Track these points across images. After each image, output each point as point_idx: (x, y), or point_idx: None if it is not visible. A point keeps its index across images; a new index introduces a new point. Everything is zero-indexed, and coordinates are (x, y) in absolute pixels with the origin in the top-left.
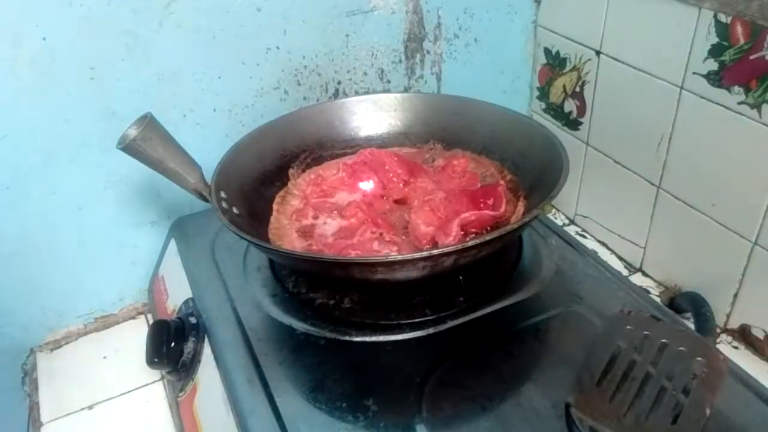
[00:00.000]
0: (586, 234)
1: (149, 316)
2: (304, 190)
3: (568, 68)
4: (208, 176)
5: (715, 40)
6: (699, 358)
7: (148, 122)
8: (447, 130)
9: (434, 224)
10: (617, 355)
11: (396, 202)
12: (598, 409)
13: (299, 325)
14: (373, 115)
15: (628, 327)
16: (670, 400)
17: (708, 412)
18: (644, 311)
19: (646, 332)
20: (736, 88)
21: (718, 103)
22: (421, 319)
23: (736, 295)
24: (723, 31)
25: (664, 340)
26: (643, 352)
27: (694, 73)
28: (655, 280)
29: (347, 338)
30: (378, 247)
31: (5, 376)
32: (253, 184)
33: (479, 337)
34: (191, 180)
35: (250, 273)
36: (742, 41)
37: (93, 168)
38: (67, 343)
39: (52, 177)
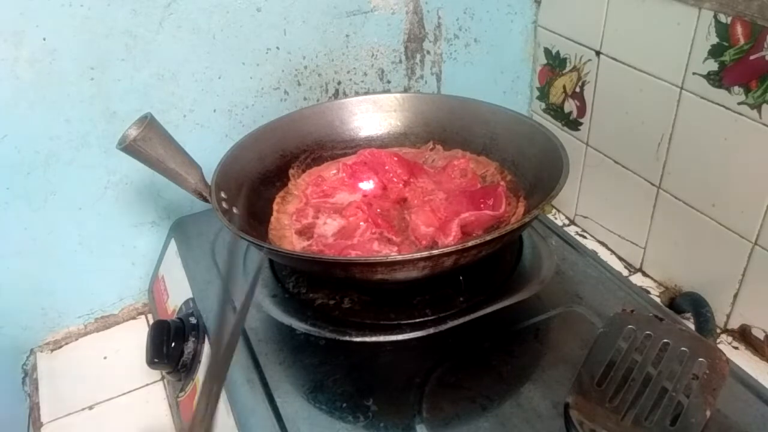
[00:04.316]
0: (586, 234)
1: (149, 316)
2: (304, 190)
3: (568, 68)
4: (208, 176)
5: (715, 40)
6: (701, 359)
7: (148, 122)
8: (447, 130)
9: (434, 224)
10: (618, 355)
11: (396, 202)
12: (597, 410)
13: (299, 326)
14: (373, 116)
15: (630, 326)
16: (670, 401)
17: (708, 414)
18: (645, 311)
19: (648, 332)
20: (736, 89)
21: (718, 104)
22: (421, 319)
23: (736, 295)
24: (723, 31)
25: (666, 340)
26: (645, 352)
27: (694, 73)
28: (655, 280)
29: (347, 338)
30: (378, 247)
31: (5, 376)
32: (253, 185)
33: (479, 337)
34: (191, 180)
35: (250, 273)
36: (742, 41)
37: (93, 168)
38: (67, 344)
39: (52, 177)
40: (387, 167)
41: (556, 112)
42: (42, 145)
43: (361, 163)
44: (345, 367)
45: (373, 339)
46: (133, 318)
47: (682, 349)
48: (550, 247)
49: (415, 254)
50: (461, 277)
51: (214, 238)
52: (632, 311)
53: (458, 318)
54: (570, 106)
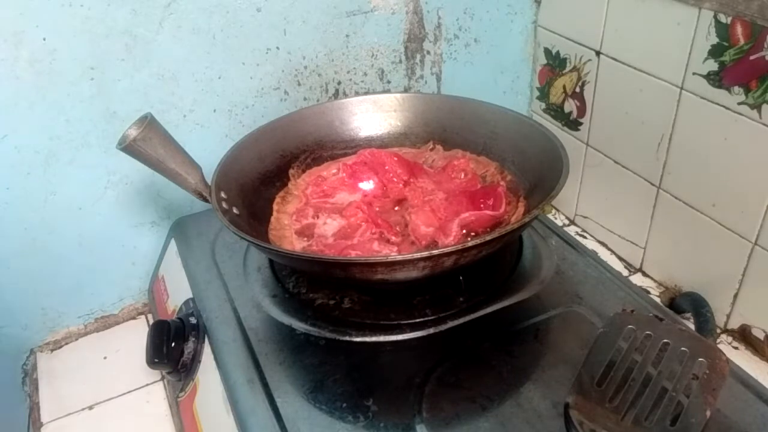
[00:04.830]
0: (586, 234)
1: (149, 316)
2: (304, 190)
3: (568, 68)
4: (208, 176)
5: (715, 40)
6: (701, 359)
7: (148, 122)
8: (447, 130)
9: (434, 225)
10: (618, 355)
11: (396, 202)
12: (597, 410)
13: (299, 326)
14: (373, 116)
15: (630, 326)
16: (670, 401)
17: (708, 414)
18: (645, 311)
19: (648, 332)
20: (736, 89)
21: (718, 104)
22: (421, 320)
23: (736, 296)
24: (723, 31)
25: (666, 341)
26: (645, 352)
27: (694, 73)
28: (655, 280)
29: (347, 338)
30: (378, 248)
31: (5, 376)
32: (254, 185)
33: (479, 337)
34: (191, 180)
35: (250, 273)
36: (742, 41)
37: (93, 168)
38: (67, 344)
39: (52, 177)
40: (387, 167)
41: (556, 112)
42: (42, 145)
43: (361, 163)
44: (345, 367)
45: (373, 339)
46: (133, 318)
47: (682, 349)
48: (550, 247)
49: (415, 254)
50: (461, 277)
51: (214, 238)
52: (632, 311)
53: (458, 318)
54: (570, 106)
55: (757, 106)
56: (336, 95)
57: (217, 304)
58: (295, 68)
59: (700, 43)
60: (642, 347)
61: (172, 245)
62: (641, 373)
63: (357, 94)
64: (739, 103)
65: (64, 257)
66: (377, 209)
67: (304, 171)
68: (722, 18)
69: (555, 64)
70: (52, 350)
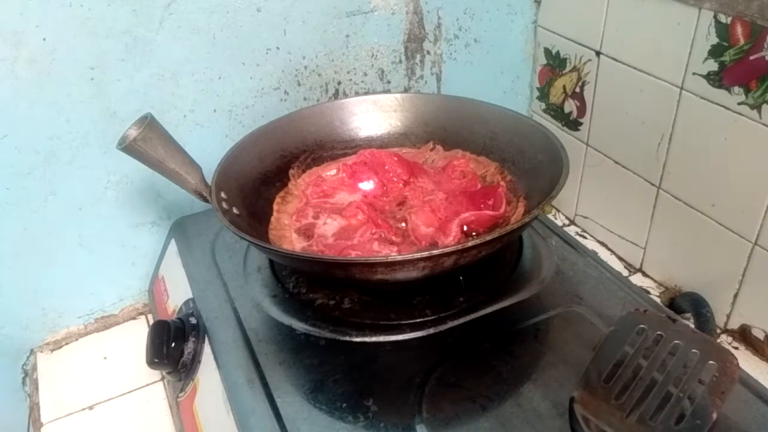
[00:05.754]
0: (586, 234)
1: (149, 316)
2: (304, 190)
3: (568, 68)
4: (208, 176)
5: (715, 40)
6: (711, 362)
7: (149, 123)
8: (447, 130)
9: (434, 225)
10: (628, 354)
11: (396, 202)
12: (602, 406)
13: (299, 326)
14: (373, 116)
15: (642, 326)
16: (677, 402)
17: (714, 416)
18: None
19: (659, 332)
20: (736, 89)
21: (718, 104)
22: (421, 320)
23: (736, 296)
24: (723, 31)
25: (677, 341)
26: (655, 351)
27: (694, 73)
28: (655, 281)
29: (347, 338)
30: (378, 248)
31: (6, 376)
32: (254, 185)
33: (479, 337)
34: (191, 180)
35: (250, 273)
36: (742, 41)
37: (93, 168)
38: (67, 344)
39: (52, 177)
40: (387, 167)
41: (556, 112)
42: (42, 145)
43: (361, 163)
44: (345, 367)
45: (373, 339)
46: (133, 318)
47: (693, 351)
48: (550, 247)
49: (415, 254)
50: (461, 277)
51: (214, 238)
52: (645, 311)
53: (458, 318)
54: (570, 106)
55: (757, 106)
56: (336, 95)
57: (217, 304)
58: (295, 68)
59: (700, 43)
60: (653, 347)
61: (172, 245)
62: (650, 372)
63: (357, 94)
64: (739, 103)
65: (64, 257)
66: (377, 209)
67: (304, 171)
68: (722, 18)
69: (555, 64)
70: (52, 350)
